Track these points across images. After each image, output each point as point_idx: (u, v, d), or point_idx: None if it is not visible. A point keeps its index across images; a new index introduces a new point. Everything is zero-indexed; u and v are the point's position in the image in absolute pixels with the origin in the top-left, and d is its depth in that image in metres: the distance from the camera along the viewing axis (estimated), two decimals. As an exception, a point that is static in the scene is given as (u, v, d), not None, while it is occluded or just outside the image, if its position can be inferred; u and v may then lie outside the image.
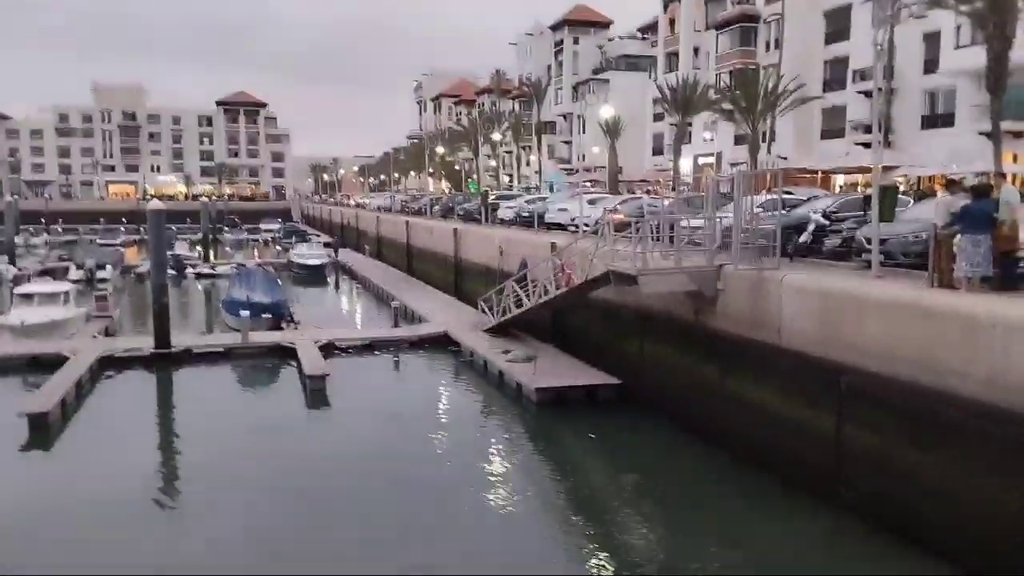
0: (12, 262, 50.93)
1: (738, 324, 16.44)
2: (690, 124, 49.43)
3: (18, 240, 60.21)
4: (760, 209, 18.65)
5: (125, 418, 20.31)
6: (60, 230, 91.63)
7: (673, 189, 43.13)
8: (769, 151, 42.35)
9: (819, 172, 38.09)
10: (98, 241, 70.10)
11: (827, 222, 18.25)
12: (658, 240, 19.72)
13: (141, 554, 12.58)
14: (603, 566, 12.35)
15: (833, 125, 46.02)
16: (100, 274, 44.55)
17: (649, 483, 15.92)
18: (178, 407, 22.41)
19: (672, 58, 62.76)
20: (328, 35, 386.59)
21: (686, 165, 53.08)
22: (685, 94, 46.01)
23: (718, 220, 18.32)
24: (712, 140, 53.84)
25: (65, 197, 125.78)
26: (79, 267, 46.09)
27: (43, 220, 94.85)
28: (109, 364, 24.35)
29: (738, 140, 48.12)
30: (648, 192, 44.14)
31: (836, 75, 45.84)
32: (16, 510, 14.21)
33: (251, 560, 12.47)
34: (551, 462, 17.53)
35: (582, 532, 13.72)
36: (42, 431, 18.12)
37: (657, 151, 64.02)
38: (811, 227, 18.21)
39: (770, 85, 40.21)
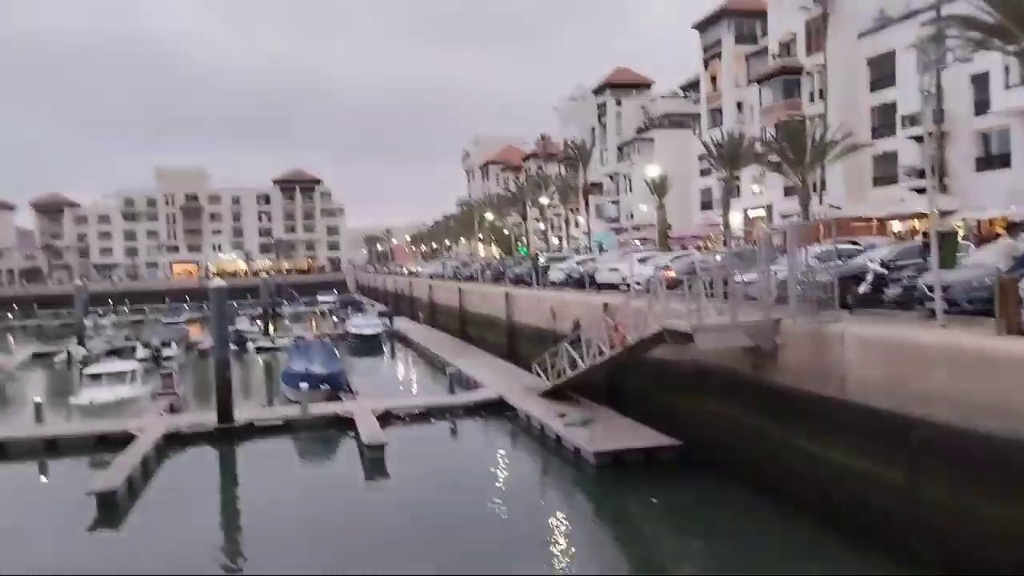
0: (82, 343, 52.73)
1: (800, 378, 16.06)
2: (738, 178, 49.34)
3: (87, 322, 62.39)
4: (816, 260, 18.37)
5: (190, 494, 20.60)
6: (127, 310, 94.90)
7: (724, 244, 42.82)
8: (821, 201, 41.90)
9: (874, 219, 37.45)
10: (163, 320, 72.23)
11: (886, 271, 17.86)
12: (712, 296, 19.53)
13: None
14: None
15: (885, 172, 45.38)
16: (165, 352, 45.81)
17: (715, 546, 15.43)
18: (241, 481, 22.66)
19: (716, 114, 63.09)
20: (378, 110, 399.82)
21: (736, 219, 52.74)
22: (731, 148, 46.09)
23: (772, 273, 18.09)
24: (761, 193, 53.54)
25: (131, 278, 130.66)
26: (145, 346, 47.46)
27: (111, 301, 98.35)
28: (174, 441, 24.84)
29: (788, 191, 47.78)
30: (699, 248, 43.89)
31: (885, 121, 45.39)
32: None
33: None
34: (612, 528, 17.16)
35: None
36: (110, 509, 18.48)
37: (706, 206, 63.87)
38: (870, 277, 17.83)
39: (817, 135, 40.05)
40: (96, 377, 30.42)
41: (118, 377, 30.36)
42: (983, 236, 24.91)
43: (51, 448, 24.86)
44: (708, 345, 17.70)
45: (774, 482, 16.72)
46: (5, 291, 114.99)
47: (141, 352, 45.64)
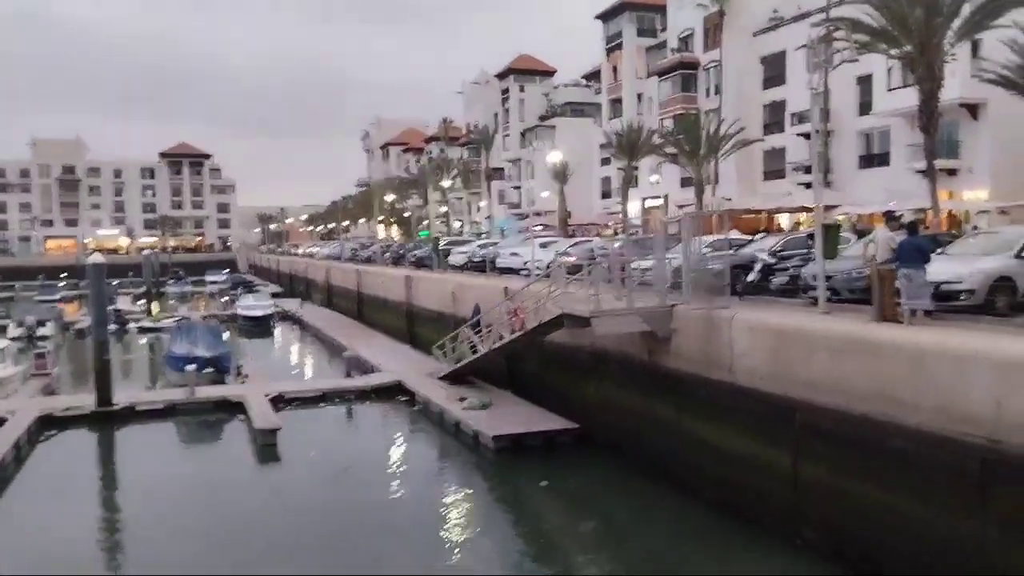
0: (-56, 321, 48.93)
1: (692, 363, 16.54)
2: (636, 168, 50.37)
3: (-49, 298, 58.00)
4: (708, 249, 18.95)
5: (66, 480, 19.40)
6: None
7: (623, 231, 43.72)
8: (714, 193, 43.32)
9: (763, 212, 39.02)
10: (36, 297, 67.80)
11: (774, 260, 18.63)
12: (610, 282, 19.86)
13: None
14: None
15: (774, 166, 47.38)
16: (40, 331, 43.05)
17: (607, 528, 15.74)
18: (121, 467, 21.52)
19: (616, 104, 64.16)
20: (273, 87, 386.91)
21: (634, 208, 53.93)
22: (630, 139, 47.00)
23: (668, 261, 18.55)
24: (659, 183, 54.89)
25: (1, 253, 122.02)
26: (18, 324, 44.48)
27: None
28: (49, 423, 23.36)
29: (684, 182, 49.15)
30: (599, 235, 44.64)
31: (775, 118, 47.32)
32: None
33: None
34: (509, 511, 17.26)
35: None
36: (-25, 497, 17.22)
37: (606, 194, 65.01)
38: (759, 266, 18.55)
39: (712, 129, 41.33)
40: (-39, 356, 28.27)
41: (-14, 357, 28.31)
42: (863, 230, 26.33)
43: (-94, 433, 22.92)
44: (606, 330, 17.99)
45: (669, 466, 17.20)
46: None
47: (13, 331, 42.75)
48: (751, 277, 18.47)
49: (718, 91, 49.70)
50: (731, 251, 19.04)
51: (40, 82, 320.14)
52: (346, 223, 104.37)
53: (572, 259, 24.91)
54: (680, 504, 16.13)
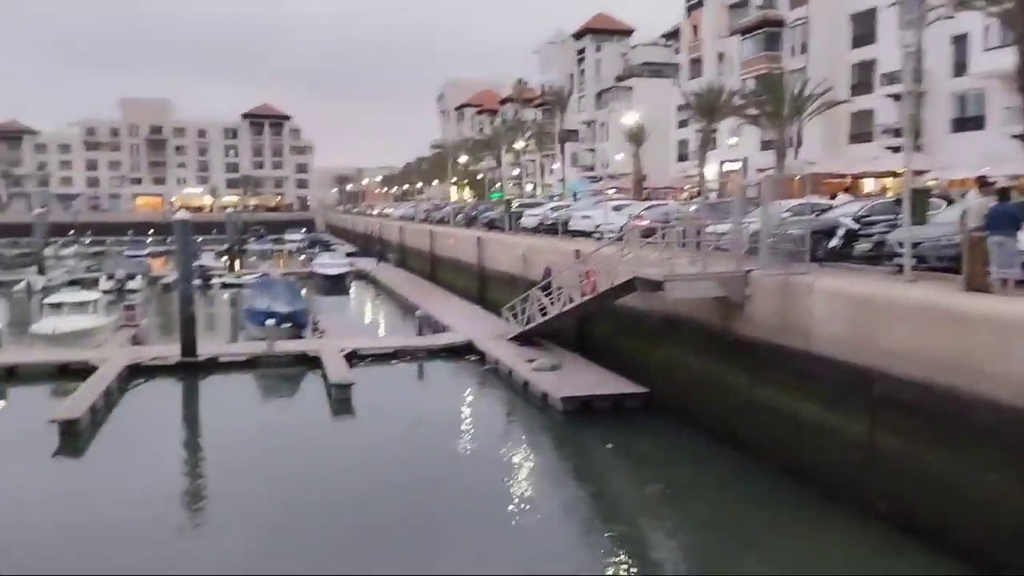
0: (41, 273, 51.67)
1: (766, 329, 16.19)
2: (715, 130, 49.11)
3: (48, 252, 61.03)
4: (788, 213, 18.39)
5: (152, 425, 20.44)
6: (88, 242, 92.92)
7: (699, 195, 42.85)
8: (796, 156, 41.95)
9: (848, 176, 37.63)
10: (126, 253, 70.90)
11: (857, 226, 17.96)
12: (684, 246, 19.54)
13: (165, 560, 12.60)
14: (624, 573, 12.19)
15: (861, 129, 45.44)
16: (129, 284, 45.03)
17: (674, 492, 15.70)
18: (204, 415, 22.53)
19: (696, 64, 62.47)
20: (352, 48, 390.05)
21: (712, 171, 52.70)
22: (710, 100, 45.78)
23: (745, 225, 18.11)
24: (738, 146, 53.45)
25: (93, 210, 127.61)
26: (109, 278, 46.62)
27: (72, 232, 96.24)
28: (137, 372, 24.55)
29: (764, 145, 47.67)
30: (674, 198, 43.87)
31: (864, 79, 45.27)
32: (47, 515, 14.30)
33: (273, 566, 12.42)
34: (575, 471, 17.36)
35: (605, 540, 13.56)
36: (72, 438, 18.26)
37: (682, 157, 63.66)
38: (841, 231, 17.92)
39: (796, 90, 39.89)
40: (57, 306, 29.89)
41: (80, 307, 29.87)
42: (946, 196, 25.15)
43: (10, 375, 24.46)
44: (678, 294, 17.76)
45: (738, 432, 16.97)
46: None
47: (104, 284, 44.86)
48: (833, 243, 17.85)
49: (804, 50, 47.82)
50: (812, 216, 18.43)
51: (128, 44, 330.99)
52: (420, 184, 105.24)
53: (646, 222, 24.54)
54: (749, 471, 15.94)
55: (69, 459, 17.74)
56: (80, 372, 23.36)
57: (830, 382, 14.29)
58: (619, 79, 76.77)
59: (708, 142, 48.41)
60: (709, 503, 14.94)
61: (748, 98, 43.88)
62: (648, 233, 20.88)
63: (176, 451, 18.54)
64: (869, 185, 39.33)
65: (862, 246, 17.34)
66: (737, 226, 18.01)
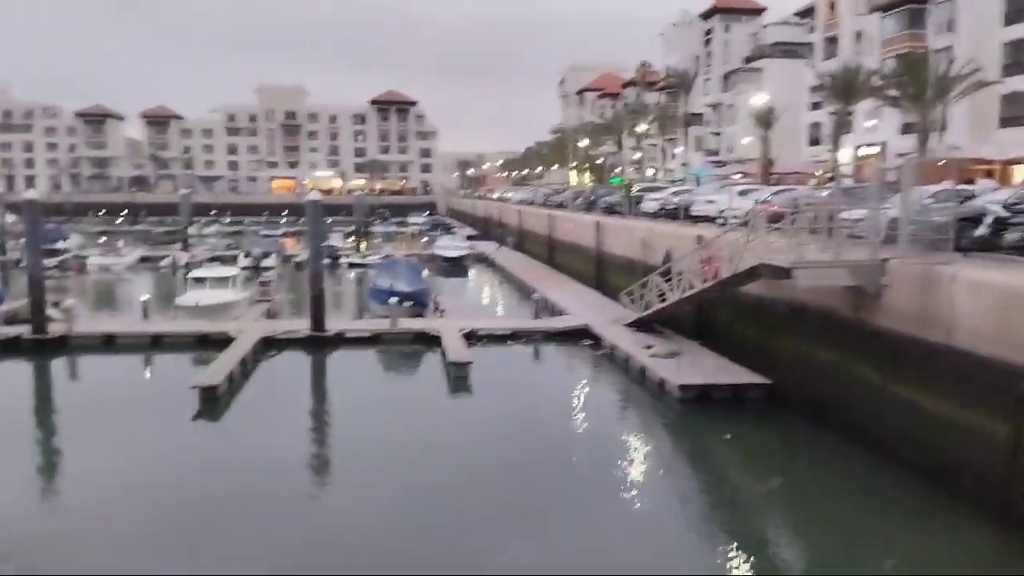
0: (186, 249, 55.29)
1: (903, 321, 15.29)
2: (851, 113, 46.65)
3: (191, 230, 65.16)
4: (931, 200, 17.26)
5: (283, 394, 21.56)
6: (227, 221, 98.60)
7: (832, 180, 40.91)
8: (940, 140, 39.31)
9: (997, 162, 34.95)
10: (261, 232, 74.80)
11: (1008, 214, 16.65)
12: (814, 233, 18.69)
13: (291, 519, 13.28)
14: (738, 569, 11.85)
15: (1014, 112, 41.99)
16: (265, 262, 47.51)
17: (796, 487, 15.14)
18: (331, 386, 23.54)
19: (832, 43, 59.45)
20: (477, 37, 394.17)
21: (846, 155, 50.15)
22: (846, 80, 43.55)
23: (883, 211, 17.13)
24: (875, 129, 50.60)
25: (232, 191, 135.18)
26: (246, 255, 49.33)
27: (213, 212, 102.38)
28: (270, 344, 25.90)
29: (905, 129, 44.96)
30: (804, 183, 42.07)
31: (1017, 58, 41.78)
32: (189, 473, 15.37)
33: (385, 529, 12.86)
34: (691, 460, 17.03)
35: (719, 534, 13.23)
36: (211, 403, 19.52)
37: (814, 141, 60.86)
38: (989, 219, 16.67)
39: (941, 70, 37.34)
40: (201, 280, 31.88)
41: (221, 281, 31.75)
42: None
43: (156, 344, 26.35)
44: (807, 282, 17.06)
45: (867, 429, 16.16)
46: (116, 197, 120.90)
47: (242, 261, 47.50)
48: (980, 231, 16.65)
49: (950, 28, 44.62)
50: (958, 202, 17.21)
51: (263, 31, 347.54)
52: (539, 169, 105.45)
53: (773, 208, 23.65)
54: (877, 469, 15.17)
55: (207, 422, 18.94)
56: (218, 342, 24.87)
57: (972, 379, 13.35)
58: (748, 60, 74.14)
59: (843, 125, 46.08)
60: (833, 501, 14.31)
61: (888, 79, 41.43)
62: (776, 219, 20.11)
63: (304, 419, 19.46)
64: (1022, 173, 36.34)
65: (1012, 235, 16.09)
66: (874, 212, 17.07)
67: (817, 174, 50.61)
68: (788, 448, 17.16)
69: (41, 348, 25.28)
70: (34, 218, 27.18)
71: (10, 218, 59.12)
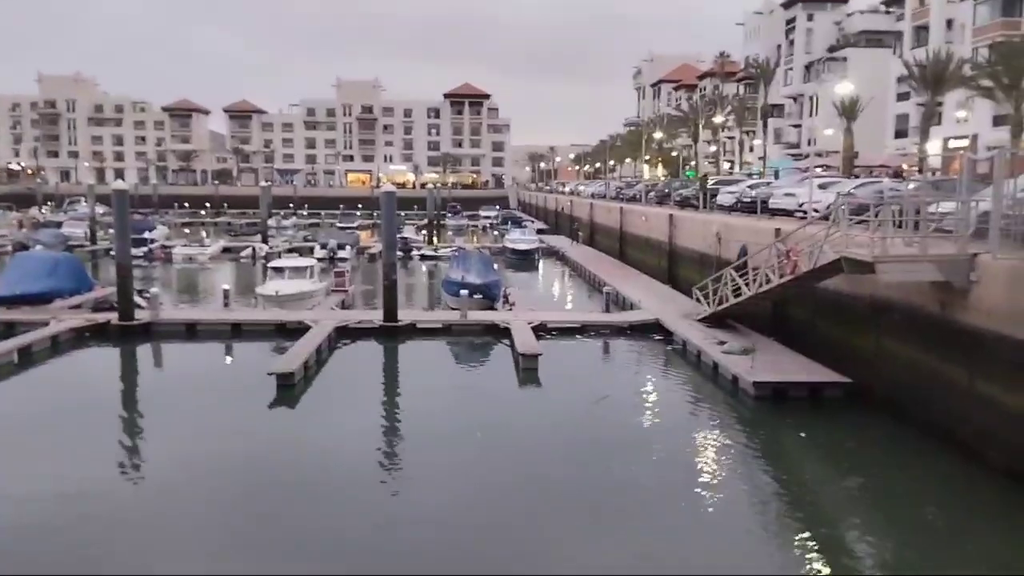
0: (265, 241, 56.89)
1: (995, 319, 14.54)
2: (940, 103, 44.73)
3: (270, 222, 66.97)
4: (1026, 193, 16.34)
5: (357, 382, 21.96)
6: (305, 214, 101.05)
7: (920, 172, 39.29)
8: (1036, 132, 37.31)
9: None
10: (337, 224, 76.37)
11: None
12: (899, 227, 17.96)
13: (367, 504, 13.53)
14: (815, 571, 11.47)
15: (1121, 101, 39.48)
16: (340, 254, 48.54)
17: (877, 489, 14.58)
18: (402, 375, 23.86)
19: (921, 32, 57.07)
20: (549, 27, 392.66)
21: (934, 148, 48.10)
22: (936, 70, 41.73)
23: (973, 204, 16.32)
24: (966, 121, 48.35)
25: (310, 184, 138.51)
26: (322, 247, 50.47)
27: (291, 205, 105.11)
28: (344, 333, 26.40)
29: (997, 121, 42.85)
30: (889, 176, 40.52)
31: None
32: (265, 459, 15.79)
33: (453, 523, 12.92)
34: (767, 460, 16.56)
35: (795, 533, 12.78)
36: (288, 389, 20.02)
37: (900, 133, 58.63)
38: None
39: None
40: (280, 270, 32.76)
41: (300, 271, 32.56)
42: None
43: (236, 332, 27.16)
44: (892, 278, 16.39)
45: (955, 430, 15.46)
46: (200, 190, 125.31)
47: (319, 252, 48.60)
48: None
49: (1052, 12, 42.24)
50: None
51: (342, 28, 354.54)
52: (612, 162, 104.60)
53: (857, 200, 22.81)
54: (965, 472, 14.51)
55: (284, 408, 19.42)
56: (295, 331, 25.48)
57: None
58: (832, 49, 71.87)
59: (932, 116, 44.18)
60: (915, 502, 13.75)
61: (980, 68, 39.52)
62: (859, 211, 19.39)
63: (376, 406, 19.76)
64: None
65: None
66: (964, 205, 16.28)
67: (903, 168, 48.71)
68: (868, 448, 16.56)
69: (128, 334, 26.35)
70: (123, 208, 28.32)
71: (100, 209, 62.03)
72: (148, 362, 24.85)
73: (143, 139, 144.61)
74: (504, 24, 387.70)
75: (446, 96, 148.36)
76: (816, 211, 24.52)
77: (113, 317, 27.09)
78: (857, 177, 38.45)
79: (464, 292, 29.05)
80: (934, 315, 16.30)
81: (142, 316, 27.20)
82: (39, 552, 11.72)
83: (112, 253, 34.99)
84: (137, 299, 28.28)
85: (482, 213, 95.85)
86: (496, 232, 73.98)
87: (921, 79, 42.76)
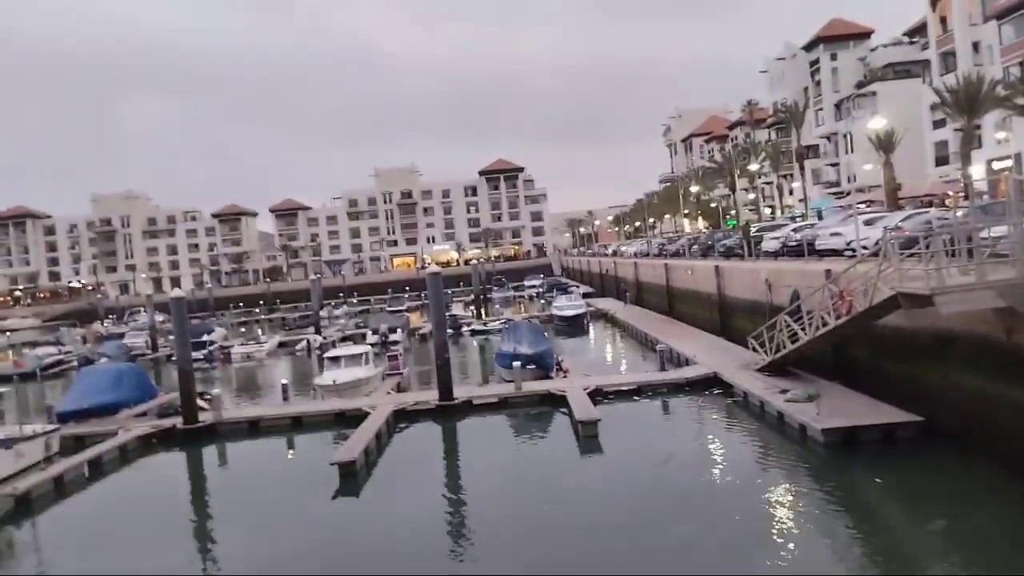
0: (318, 332, 57.85)
1: (1068, 342, 13.99)
2: (978, 126, 44.10)
3: (322, 313, 68.22)
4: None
5: (418, 464, 21.89)
6: (355, 301, 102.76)
7: (966, 197, 38.51)
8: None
9: None
10: (387, 309, 77.44)
11: None
12: (953, 255, 17.55)
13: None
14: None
15: None
16: (392, 337, 49.05)
17: (960, 529, 13.92)
18: (463, 453, 23.72)
19: (948, 58, 56.68)
20: (573, 93, 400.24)
21: (978, 172, 47.19)
22: (968, 93, 41.29)
23: (1027, 225, 15.90)
24: (1007, 141, 47.50)
25: (357, 272, 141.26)
26: (374, 332, 51.11)
27: (341, 294, 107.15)
28: (402, 416, 26.50)
29: (1040, 137, 42.02)
30: (935, 205, 39.79)
31: None
32: (332, 550, 15.74)
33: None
34: (844, 510, 15.93)
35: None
36: (350, 478, 20.05)
37: (941, 160, 57.71)
38: None
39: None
40: (336, 360, 33.21)
41: (355, 359, 32.98)
42: None
43: (296, 424, 27.43)
44: (951, 309, 15.93)
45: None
46: (252, 289, 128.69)
47: (371, 338, 49.21)
48: None
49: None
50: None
51: (369, 117, 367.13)
52: (651, 220, 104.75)
53: (905, 233, 22.41)
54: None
55: (348, 497, 19.41)
56: (354, 418, 25.68)
57: None
58: (860, 85, 71.68)
59: (971, 140, 43.46)
60: (1005, 545, 13.01)
61: (1013, 87, 38.99)
62: (908, 244, 19.03)
63: (438, 488, 19.62)
64: None
65: None
66: (1016, 228, 15.88)
67: (949, 195, 47.83)
68: (949, 489, 15.85)
69: (193, 437, 26.82)
70: (181, 315, 29.21)
71: (160, 317, 63.93)
72: (214, 462, 25.19)
73: (196, 246, 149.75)
74: (528, 99, 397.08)
75: (481, 173, 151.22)
76: (865, 248, 24.13)
77: (178, 422, 27.64)
78: (903, 209, 37.81)
79: (517, 364, 29.03)
80: (1001, 342, 15.76)
81: (205, 418, 27.70)
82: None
83: (173, 359, 35.90)
84: (200, 402, 28.85)
85: (527, 283, 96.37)
86: (543, 300, 74.14)
87: (955, 105, 42.27)
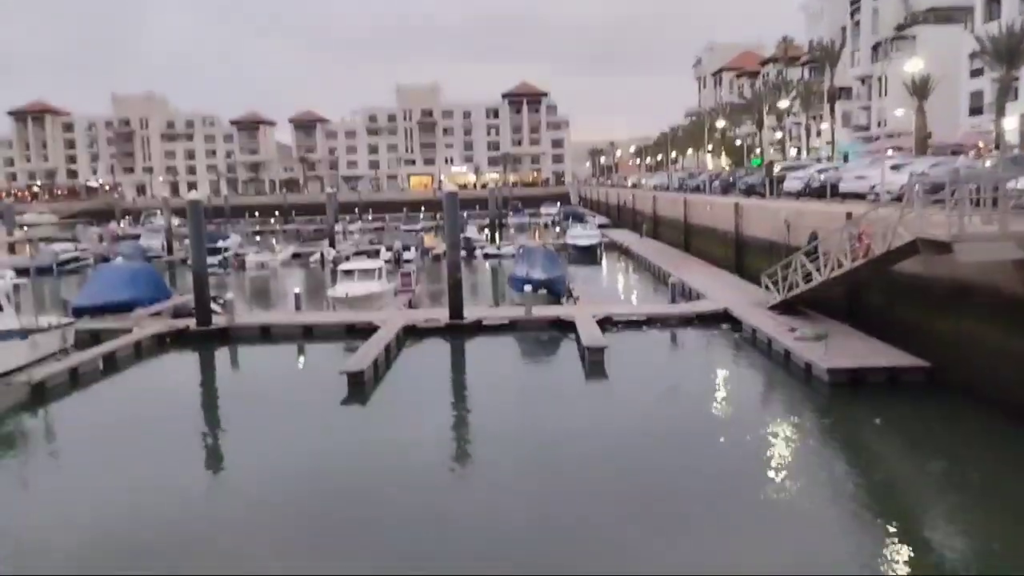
0: (332, 246, 58.05)
1: (1086, 298, 13.87)
2: (1016, 78, 42.80)
3: (337, 227, 68.27)
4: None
5: (425, 380, 22.22)
6: (370, 218, 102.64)
7: (997, 148, 37.69)
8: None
9: None
10: (402, 227, 77.41)
11: None
12: (978, 205, 17.28)
13: (436, 500, 13.68)
14: (900, 566, 11.08)
15: None
16: (405, 255, 49.22)
17: (963, 476, 14.07)
18: (470, 372, 24.05)
19: (993, 5, 54.57)
20: (603, 23, 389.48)
21: (1011, 124, 46.02)
22: (1010, 43, 39.96)
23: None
24: (1046, 94, 46.17)
25: (374, 189, 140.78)
26: (388, 249, 51.25)
27: (356, 210, 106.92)
28: (412, 332, 26.77)
29: (1081, 91, 40.77)
30: (965, 155, 38.96)
31: None
32: (336, 456, 16.15)
33: (521, 521, 12.89)
34: (844, 449, 16.14)
35: (877, 529, 12.36)
36: (359, 387, 20.41)
37: (975, 111, 56.23)
38: None
39: None
40: (349, 273, 33.40)
41: (368, 273, 33.14)
42: None
43: (308, 334, 27.78)
44: (970, 258, 15.77)
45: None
46: (268, 199, 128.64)
47: (385, 255, 49.33)
48: None
49: None
50: None
51: (398, 32, 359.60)
52: (674, 154, 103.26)
53: (932, 180, 22.02)
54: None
55: (356, 405, 19.80)
56: (364, 331, 25.93)
57: None
58: (900, 28, 69.34)
59: (1008, 91, 42.32)
60: (1005, 491, 13.18)
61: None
62: (934, 190, 18.72)
63: (444, 404, 19.96)
64: None
65: None
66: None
67: (981, 146, 46.79)
68: (950, 433, 16.00)
69: (206, 339, 27.24)
70: (197, 219, 29.28)
71: (175, 220, 64.16)
72: (225, 364, 25.65)
73: (213, 152, 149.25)
74: (558, 23, 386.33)
75: (504, 96, 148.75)
76: (889, 192, 23.78)
77: (191, 323, 28.04)
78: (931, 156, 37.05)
79: (529, 288, 29.13)
80: (1017, 295, 15.63)
81: (219, 321, 28.08)
82: (121, 554, 12.14)
83: (188, 263, 36.19)
84: (213, 306, 29.20)
85: (543, 210, 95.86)
86: (558, 228, 73.88)
87: (995, 54, 41.04)
